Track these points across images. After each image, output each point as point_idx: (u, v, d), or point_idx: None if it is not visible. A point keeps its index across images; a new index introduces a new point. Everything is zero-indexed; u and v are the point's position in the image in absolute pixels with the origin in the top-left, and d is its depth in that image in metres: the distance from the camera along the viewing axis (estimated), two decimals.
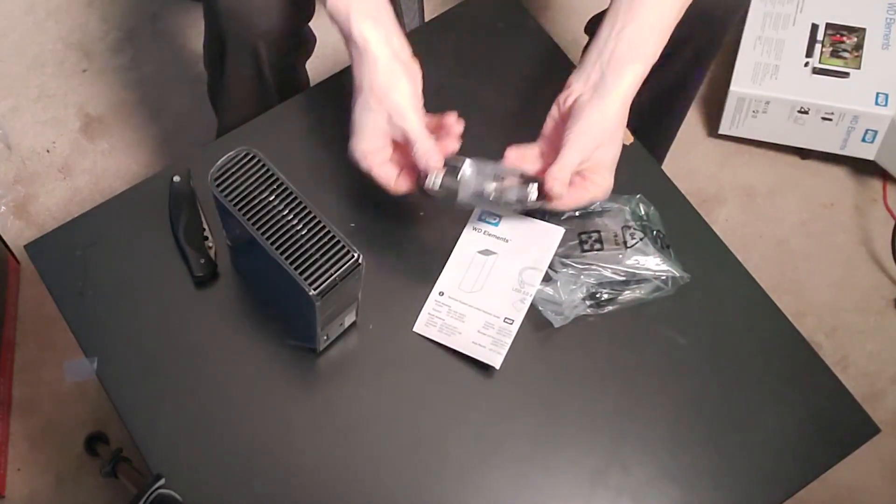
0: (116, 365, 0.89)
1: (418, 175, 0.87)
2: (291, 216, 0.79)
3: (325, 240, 0.78)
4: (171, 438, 0.87)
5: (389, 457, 0.87)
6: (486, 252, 0.94)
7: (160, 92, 1.61)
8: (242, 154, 0.81)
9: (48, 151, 1.56)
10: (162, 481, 0.83)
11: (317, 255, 0.77)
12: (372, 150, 0.87)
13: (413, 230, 0.97)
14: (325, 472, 0.86)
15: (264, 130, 1.01)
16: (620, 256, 0.92)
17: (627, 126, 0.88)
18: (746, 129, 1.55)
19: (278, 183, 0.80)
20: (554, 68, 1.04)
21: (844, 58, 1.49)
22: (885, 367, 1.44)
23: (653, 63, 0.87)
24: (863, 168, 1.58)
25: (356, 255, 0.78)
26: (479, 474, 0.87)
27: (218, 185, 0.80)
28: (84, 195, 1.52)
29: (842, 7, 1.55)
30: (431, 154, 0.85)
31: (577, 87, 0.88)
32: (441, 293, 0.93)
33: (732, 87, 1.50)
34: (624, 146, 0.89)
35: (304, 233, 0.78)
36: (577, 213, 0.95)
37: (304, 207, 0.79)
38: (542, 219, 0.95)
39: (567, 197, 0.87)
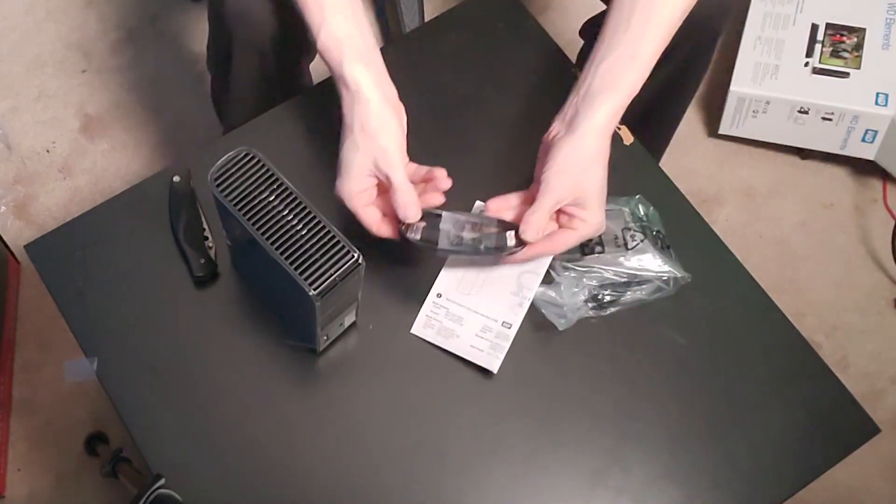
0: (116, 365, 0.89)
1: (399, 223, 0.87)
2: (291, 216, 0.79)
3: (325, 240, 0.78)
4: (171, 438, 0.87)
5: (389, 456, 0.87)
6: None
7: (160, 92, 1.61)
8: (242, 154, 0.81)
9: (48, 151, 1.56)
10: (162, 481, 0.83)
11: (317, 255, 0.77)
12: (357, 192, 0.87)
13: None
14: (324, 471, 0.86)
15: (264, 130, 1.01)
16: (622, 258, 0.92)
17: (627, 126, 0.88)
18: (746, 129, 1.55)
19: (278, 183, 0.80)
20: (554, 68, 1.04)
21: (844, 58, 1.49)
22: (885, 367, 1.44)
23: (633, 94, 0.87)
24: (863, 168, 1.58)
25: (356, 255, 0.78)
26: (478, 474, 0.87)
27: (218, 185, 0.80)
28: (84, 195, 1.52)
29: (842, 7, 1.55)
30: (410, 206, 0.86)
31: (556, 125, 0.89)
32: (439, 294, 0.92)
33: (732, 87, 1.50)
34: (624, 146, 0.89)
35: (304, 233, 0.78)
36: None
37: (304, 207, 0.79)
38: None
39: (556, 240, 0.87)
